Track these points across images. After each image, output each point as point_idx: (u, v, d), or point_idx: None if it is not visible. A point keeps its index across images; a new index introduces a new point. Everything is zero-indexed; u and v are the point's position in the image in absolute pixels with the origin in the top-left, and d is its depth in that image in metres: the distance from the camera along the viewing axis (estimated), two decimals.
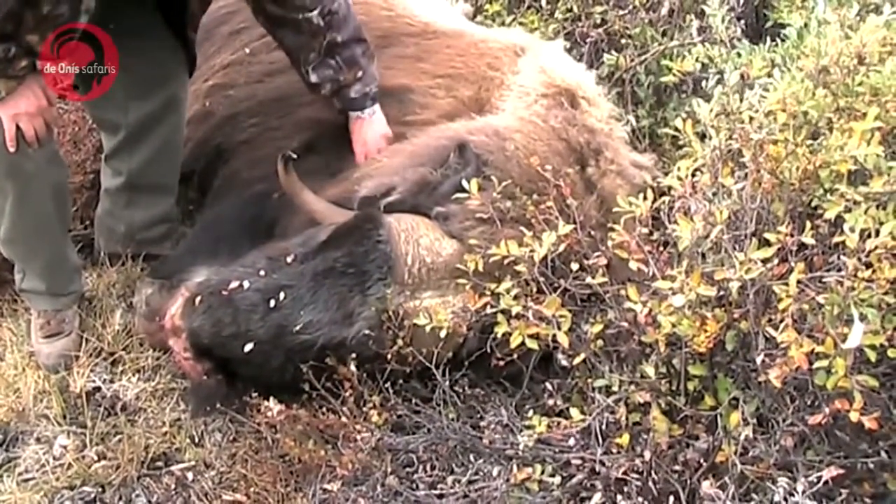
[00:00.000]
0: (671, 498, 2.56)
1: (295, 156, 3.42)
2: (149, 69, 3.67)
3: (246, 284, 3.09)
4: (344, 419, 3.05)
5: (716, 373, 2.64)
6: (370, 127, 3.76)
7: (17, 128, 3.21)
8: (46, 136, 3.33)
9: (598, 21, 4.63)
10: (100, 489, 3.19)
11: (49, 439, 3.35)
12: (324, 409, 3.10)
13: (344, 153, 3.74)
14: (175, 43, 3.73)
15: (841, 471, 2.33)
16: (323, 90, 3.73)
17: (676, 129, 2.90)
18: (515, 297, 2.73)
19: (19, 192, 3.37)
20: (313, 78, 3.71)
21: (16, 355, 3.67)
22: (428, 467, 3.07)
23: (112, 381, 3.55)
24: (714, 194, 2.68)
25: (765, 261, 2.39)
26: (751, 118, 2.70)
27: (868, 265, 2.26)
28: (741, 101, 2.79)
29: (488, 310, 2.81)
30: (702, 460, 2.58)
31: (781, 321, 2.32)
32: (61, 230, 3.67)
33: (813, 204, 2.61)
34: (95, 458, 3.26)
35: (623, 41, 4.54)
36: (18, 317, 3.85)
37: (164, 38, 3.70)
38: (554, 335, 2.64)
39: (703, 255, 2.59)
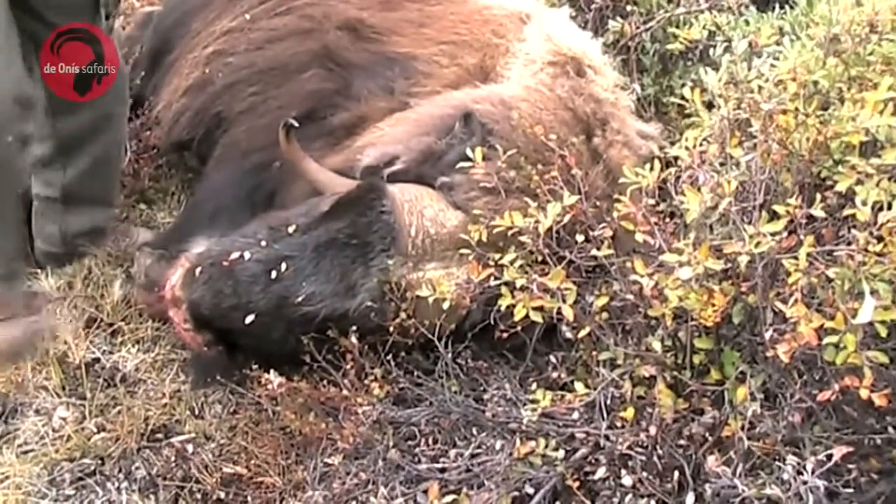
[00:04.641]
0: (676, 473, 2.54)
1: (296, 124, 3.36)
2: None
3: (247, 255, 3.06)
4: (345, 392, 3.02)
5: (722, 347, 2.60)
6: None
7: None
8: None
9: None
10: (99, 461, 3.17)
11: (48, 411, 3.33)
12: (325, 382, 3.07)
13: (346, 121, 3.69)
14: None
15: (849, 448, 2.30)
16: None
17: (683, 98, 2.87)
18: (520, 269, 2.69)
19: None
20: None
21: None
22: (430, 441, 3.05)
23: (111, 353, 3.53)
24: (722, 165, 2.64)
25: (774, 234, 2.34)
26: (760, 88, 2.66)
27: (879, 239, 2.22)
28: (749, 69, 2.74)
29: (492, 281, 2.77)
30: (707, 435, 2.55)
31: (790, 295, 2.28)
32: None
33: (823, 176, 2.58)
34: (95, 429, 3.24)
35: (628, 8, 4.51)
36: None
37: None
38: (558, 307, 2.60)
39: (711, 227, 2.55)
